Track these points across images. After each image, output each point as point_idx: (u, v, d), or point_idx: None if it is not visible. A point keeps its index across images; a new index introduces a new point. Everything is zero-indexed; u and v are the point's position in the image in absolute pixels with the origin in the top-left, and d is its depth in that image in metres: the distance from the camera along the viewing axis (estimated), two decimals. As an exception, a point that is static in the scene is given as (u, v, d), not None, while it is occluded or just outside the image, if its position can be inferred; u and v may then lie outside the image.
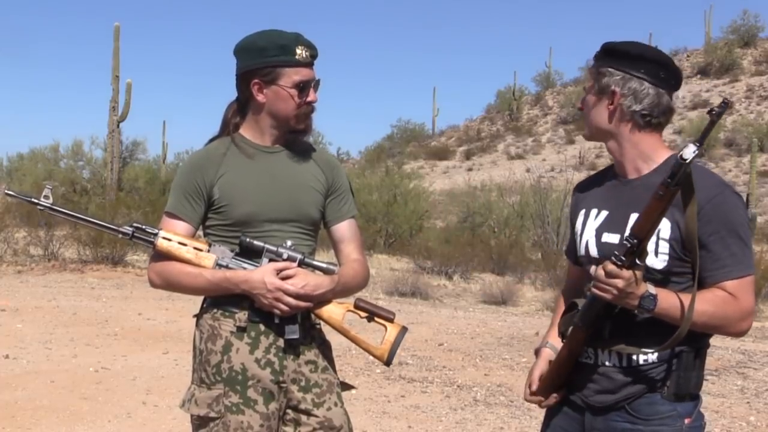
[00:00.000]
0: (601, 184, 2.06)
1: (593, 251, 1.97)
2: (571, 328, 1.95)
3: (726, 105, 1.69)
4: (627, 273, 1.77)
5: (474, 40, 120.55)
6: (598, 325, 1.91)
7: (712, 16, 47.42)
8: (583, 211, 2.05)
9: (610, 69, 1.92)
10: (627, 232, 1.82)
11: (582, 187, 2.15)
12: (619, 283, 1.78)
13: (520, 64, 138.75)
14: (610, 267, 1.79)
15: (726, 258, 1.82)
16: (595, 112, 1.96)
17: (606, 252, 1.88)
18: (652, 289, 1.79)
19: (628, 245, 1.78)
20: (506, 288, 12.52)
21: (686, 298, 1.79)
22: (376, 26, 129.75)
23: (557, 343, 2.06)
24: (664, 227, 1.84)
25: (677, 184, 1.72)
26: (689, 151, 1.70)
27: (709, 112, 1.71)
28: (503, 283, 13.20)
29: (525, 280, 14.44)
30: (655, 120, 1.91)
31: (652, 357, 1.87)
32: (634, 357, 1.88)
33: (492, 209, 20.84)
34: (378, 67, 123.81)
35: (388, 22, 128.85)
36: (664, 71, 1.91)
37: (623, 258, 1.78)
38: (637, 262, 1.78)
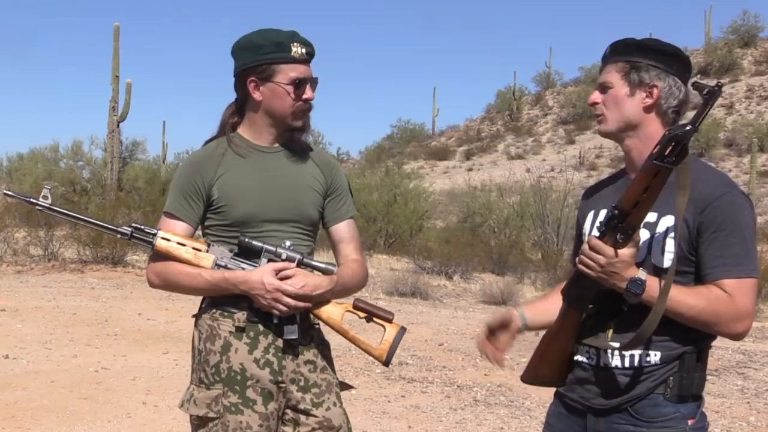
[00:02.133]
0: (610, 186, 2.06)
1: None
2: (565, 307, 1.95)
3: (719, 87, 1.69)
4: (610, 250, 1.77)
5: (474, 40, 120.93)
6: (600, 321, 1.90)
7: (712, 16, 47.54)
8: (591, 212, 2.04)
9: (648, 63, 1.90)
10: (613, 204, 1.80)
11: (589, 193, 2.14)
12: (601, 259, 1.78)
13: (520, 64, 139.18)
14: (594, 241, 1.80)
15: (728, 257, 1.80)
16: (627, 104, 1.92)
17: None
18: (642, 274, 1.78)
19: (610, 215, 1.78)
20: (506, 288, 12.51)
21: (677, 290, 1.77)
22: (377, 27, 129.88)
23: (528, 314, 2.09)
24: (672, 225, 1.82)
25: (662, 159, 1.71)
26: (678, 127, 1.71)
27: (695, 87, 1.71)
28: (503, 283, 13.19)
29: (525, 280, 14.43)
30: (679, 117, 1.93)
31: (656, 358, 1.85)
32: (637, 358, 1.86)
33: (492, 209, 20.84)
34: (378, 67, 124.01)
35: (388, 22, 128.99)
36: (687, 71, 1.94)
37: (604, 228, 1.79)
38: (618, 238, 1.77)
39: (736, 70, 42.79)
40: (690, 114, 1.87)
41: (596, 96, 1.97)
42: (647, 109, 1.91)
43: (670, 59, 1.92)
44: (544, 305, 2.13)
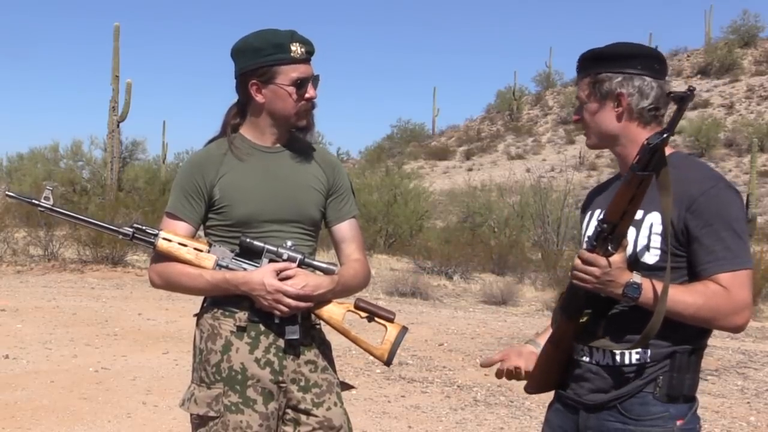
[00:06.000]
0: (607, 187, 2.09)
1: None
2: (557, 318, 1.96)
3: (691, 92, 1.71)
4: (603, 260, 1.78)
5: (474, 40, 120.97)
6: (595, 321, 1.91)
7: (712, 16, 47.53)
8: (588, 214, 2.08)
9: (607, 74, 1.92)
10: (600, 217, 1.83)
11: (591, 193, 2.18)
12: (596, 270, 1.79)
13: (520, 64, 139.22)
14: (586, 254, 1.81)
15: (720, 251, 1.80)
16: (600, 117, 1.95)
17: None
18: (637, 277, 1.79)
19: (599, 229, 1.79)
20: (506, 288, 12.51)
21: (675, 289, 1.78)
22: (376, 26, 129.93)
23: (542, 342, 2.08)
24: (657, 221, 1.84)
25: (644, 168, 1.73)
26: (655, 136, 1.72)
27: (670, 96, 1.75)
28: (503, 283, 13.19)
29: (525, 280, 14.42)
30: (660, 112, 1.93)
31: (645, 356, 1.86)
32: (627, 356, 1.88)
33: (492, 209, 20.83)
34: (378, 67, 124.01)
35: (388, 22, 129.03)
36: (657, 63, 1.94)
37: (594, 242, 1.80)
38: (609, 248, 1.78)
39: (736, 70, 42.76)
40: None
41: (576, 114, 2.03)
42: (619, 118, 1.93)
43: (632, 60, 1.91)
44: None
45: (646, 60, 1.92)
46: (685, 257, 1.84)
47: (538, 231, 18.21)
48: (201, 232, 2.33)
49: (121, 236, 2.27)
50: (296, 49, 2.21)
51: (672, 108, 1.90)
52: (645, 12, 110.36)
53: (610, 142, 1.97)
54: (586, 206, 2.13)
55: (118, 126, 18.40)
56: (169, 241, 2.22)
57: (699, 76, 43.27)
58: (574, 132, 40.45)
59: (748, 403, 5.94)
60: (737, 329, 1.86)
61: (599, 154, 36.05)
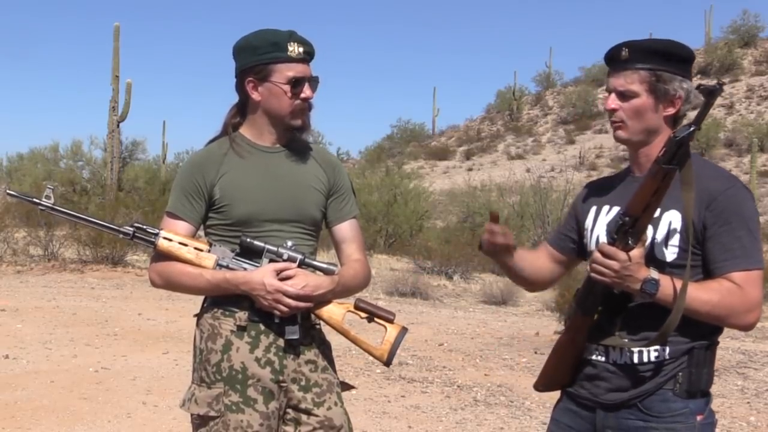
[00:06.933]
0: (614, 183, 2.07)
1: None
2: (572, 314, 1.96)
3: (720, 86, 1.70)
4: (623, 254, 1.78)
5: (474, 40, 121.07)
6: (608, 320, 1.91)
7: (712, 16, 47.52)
8: (594, 208, 2.05)
9: (669, 73, 1.88)
10: (622, 211, 1.82)
11: (594, 185, 2.15)
12: (615, 264, 1.79)
13: (520, 64, 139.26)
14: (606, 247, 1.81)
15: (736, 249, 1.82)
16: (649, 114, 1.90)
17: None
18: (654, 273, 1.79)
19: (621, 222, 1.79)
20: (506, 288, 12.50)
21: (691, 287, 1.78)
22: (376, 26, 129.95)
23: (518, 256, 2.10)
24: (675, 219, 1.84)
25: (670, 162, 1.73)
26: (683, 129, 1.73)
27: (699, 90, 1.72)
28: (503, 283, 13.16)
29: (525, 280, 14.41)
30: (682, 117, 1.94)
31: (664, 353, 1.87)
32: (645, 354, 1.88)
33: (492, 209, 20.81)
34: (378, 67, 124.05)
35: (388, 22, 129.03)
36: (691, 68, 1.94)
37: (615, 236, 1.80)
38: (630, 242, 1.78)
39: (736, 70, 42.76)
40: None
41: (615, 102, 1.93)
42: (666, 119, 1.91)
43: (688, 65, 1.91)
44: (526, 254, 2.17)
45: (689, 65, 1.91)
46: (701, 255, 1.85)
47: (538, 231, 18.20)
48: (201, 232, 2.33)
49: (121, 235, 2.27)
50: (293, 48, 2.21)
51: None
52: (645, 12, 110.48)
53: (644, 140, 1.94)
54: (587, 197, 2.11)
55: (118, 126, 18.38)
56: (170, 240, 2.22)
57: (699, 76, 43.18)
58: (574, 132, 40.47)
59: (748, 403, 5.93)
60: (748, 327, 1.88)
61: (599, 154, 36.06)
